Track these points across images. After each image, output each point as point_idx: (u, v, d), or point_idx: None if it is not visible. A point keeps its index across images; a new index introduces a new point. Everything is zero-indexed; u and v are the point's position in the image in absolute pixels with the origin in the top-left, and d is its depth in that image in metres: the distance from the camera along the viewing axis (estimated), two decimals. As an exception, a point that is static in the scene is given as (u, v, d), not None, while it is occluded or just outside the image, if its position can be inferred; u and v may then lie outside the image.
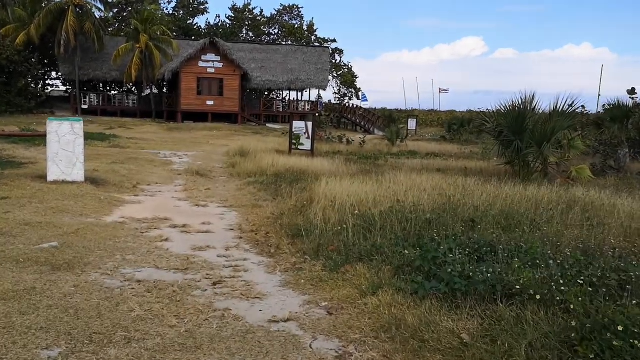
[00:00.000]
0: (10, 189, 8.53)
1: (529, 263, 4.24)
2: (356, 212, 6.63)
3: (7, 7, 34.83)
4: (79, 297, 4.19)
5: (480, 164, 19.48)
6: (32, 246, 5.53)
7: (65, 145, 9.73)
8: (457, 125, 40.06)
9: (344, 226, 6.20)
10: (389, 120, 45.32)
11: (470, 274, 4.02)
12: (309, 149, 17.35)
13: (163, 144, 22.86)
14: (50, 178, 9.70)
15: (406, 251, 4.77)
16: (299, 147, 17.46)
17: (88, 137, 22.08)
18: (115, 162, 14.24)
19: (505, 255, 4.61)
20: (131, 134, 27.21)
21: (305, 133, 17.39)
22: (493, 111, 17.06)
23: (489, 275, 3.89)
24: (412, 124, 47.15)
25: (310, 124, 17.54)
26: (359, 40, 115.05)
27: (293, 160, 14.95)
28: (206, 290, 4.63)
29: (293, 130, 17.49)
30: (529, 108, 14.44)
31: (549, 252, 4.54)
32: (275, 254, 5.96)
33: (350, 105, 50.42)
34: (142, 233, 6.75)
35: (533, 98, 14.52)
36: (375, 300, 4.14)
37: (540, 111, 14.90)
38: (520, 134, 13.81)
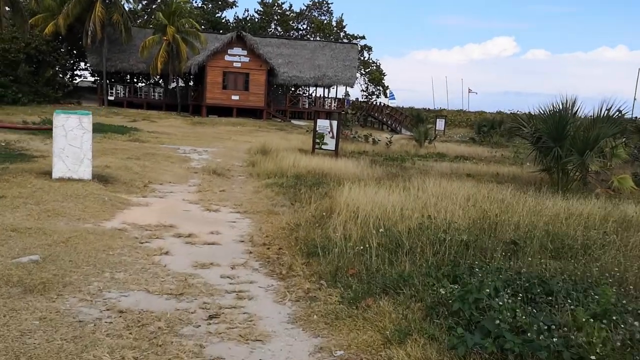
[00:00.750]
0: (9, 187, 7.95)
1: (599, 315, 3.38)
2: (381, 230, 5.82)
3: (36, -4, 34.77)
4: (40, 336, 3.46)
5: (513, 169, 18.47)
6: (9, 260, 4.87)
7: (72, 140, 9.13)
8: (487, 127, 38.79)
9: (367, 246, 5.41)
10: (417, 120, 44.19)
11: (524, 325, 3.20)
12: (333, 149, 16.56)
13: (184, 138, 22.32)
14: (55, 175, 9.12)
15: (441, 289, 3.95)
16: (323, 146, 16.69)
17: (108, 129, 21.70)
18: (131, 157, 13.66)
19: (564, 296, 3.77)
20: (153, 128, 26.78)
21: (329, 132, 16.61)
22: (530, 114, 16.06)
23: (551, 336, 3.05)
24: (440, 124, 45.95)
25: (335, 123, 16.75)
26: (387, 38, 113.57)
27: (315, 161, 14.18)
28: (199, 326, 3.88)
29: (317, 129, 16.71)
30: (569, 113, 13.43)
31: (624, 301, 3.66)
32: (286, 275, 5.20)
33: (378, 104, 49.42)
34: (141, 244, 6.05)
35: (574, 102, 13.50)
36: (402, 354, 3.34)
37: (582, 116, 13.88)
38: (560, 141, 12.81)
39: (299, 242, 6.17)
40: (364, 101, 54.19)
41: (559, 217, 7.61)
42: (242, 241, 6.57)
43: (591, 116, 13.70)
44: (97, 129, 21.15)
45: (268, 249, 6.20)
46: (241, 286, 4.87)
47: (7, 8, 34.65)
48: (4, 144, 13.36)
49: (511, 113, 58.14)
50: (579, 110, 13.46)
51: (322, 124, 16.81)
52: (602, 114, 13.43)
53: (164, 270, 5.15)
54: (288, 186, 10.76)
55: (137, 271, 5.04)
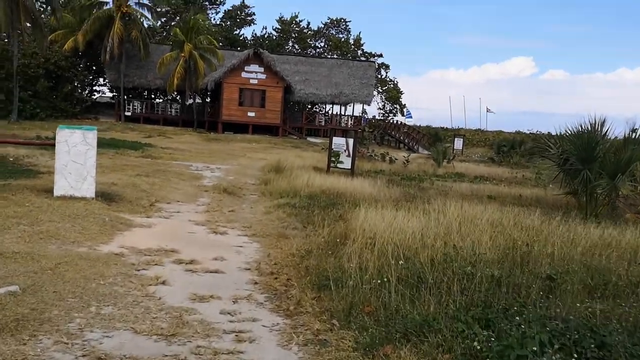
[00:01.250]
0: (5, 205, 7.52)
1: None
2: (401, 262, 5.23)
3: (56, 12, 35.01)
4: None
5: (536, 191, 17.77)
6: (-16, 290, 4.38)
7: (75, 156, 8.71)
8: (507, 147, 38.03)
9: (385, 280, 4.83)
10: (435, 139, 43.55)
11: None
12: (349, 167, 16.03)
13: (198, 155, 21.96)
14: (57, 192, 8.69)
15: (475, 343, 3.35)
16: (338, 165, 16.17)
17: (122, 145, 21.43)
18: (140, 174, 13.25)
19: (622, 352, 3.15)
20: (168, 144, 26.52)
21: (345, 150, 16.09)
22: (555, 135, 15.40)
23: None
24: (458, 143, 45.27)
25: (351, 140, 16.24)
26: (404, 57, 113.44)
27: (330, 180, 13.65)
28: (188, 378, 3.34)
29: (333, 147, 16.21)
30: (599, 134, 12.77)
31: None
32: (294, 312, 4.63)
33: (395, 122, 48.91)
34: (138, 271, 5.54)
35: (604, 123, 12.84)
36: None
37: (612, 137, 13.20)
38: (589, 163, 12.13)
39: (310, 272, 5.61)
40: (380, 119, 53.74)
41: (595, 246, 6.96)
42: (248, 269, 6.03)
43: (620, 138, 13.04)
44: (110, 144, 20.91)
45: (275, 278, 5.65)
46: (242, 325, 4.31)
47: (27, 24, 35.00)
48: (12, 159, 13.06)
49: (530, 133, 57.43)
50: (608, 130, 12.80)
51: (338, 141, 16.31)
52: (633, 135, 12.78)
53: (158, 304, 4.61)
54: (301, 207, 10.23)
55: (127, 305, 4.51)
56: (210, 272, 5.78)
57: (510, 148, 37.50)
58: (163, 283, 5.21)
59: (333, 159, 16.18)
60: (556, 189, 16.47)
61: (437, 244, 6.45)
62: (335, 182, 13.47)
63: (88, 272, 5.20)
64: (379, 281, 4.86)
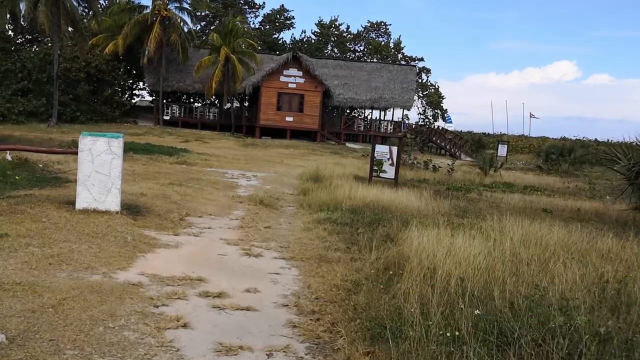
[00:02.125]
0: (20, 220, 6.83)
1: None
2: (477, 312, 4.22)
3: (96, 16, 35.15)
4: None
5: (594, 204, 16.37)
6: (-37, 341, 3.59)
7: (99, 166, 8.00)
8: (556, 155, 36.22)
9: (457, 333, 3.84)
10: (478, 145, 42.03)
11: None
12: (393, 177, 15.00)
13: (234, 161, 21.30)
14: (79, 205, 8.00)
15: None
16: (381, 174, 15.17)
17: (157, 151, 20.94)
18: (173, 183, 12.56)
19: None
20: (204, 149, 26.00)
21: (388, 159, 15.08)
22: (622, 144, 14.07)
23: None
24: (502, 150, 43.55)
25: (395, 148, 15.21)
26: (443, 62, 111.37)
27: (374, 192, 12.66)
28: None
29: (375, 155, 15.21)
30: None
31: None
32: (343, 374, 3.70)
33: (438, 128, 47.49)
34: (156, 307, 4.69)
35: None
36: None
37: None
38: (666, 176, 10.84)
39: (359, 313, 4.66)
40: (422, 125, 52.36)
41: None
42: (286, 305, 5.11)
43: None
44: (145, 149, 20.44)
45: (318, 320, 4.72)
46: (278, 394, 3.40)
47: (70, 28, 35.24)
48: (41, 166, 12.55)
49: (577, 139, 55.07)
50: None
51: (381, 149, 15.31)
52: None
53: (175, 357, 3.74)
54: (343, 223, 9.29)
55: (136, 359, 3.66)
56: (241, 309, 4.89)
57: (559, 155, 35.70)
58: (184, 326, 4.34)
59: (376, 168, 15.19)
60: (615, 201, 15.07)
61: (506, 275, 5.43)
62: (379, 194, 12.49)
63: (97, 310, 4.38)
64: (448, 334, 3.88)
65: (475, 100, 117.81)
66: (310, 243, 7.90)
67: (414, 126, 49.11)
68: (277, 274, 6.19)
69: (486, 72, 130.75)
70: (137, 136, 31.74)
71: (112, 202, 8.09)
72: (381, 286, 5.27)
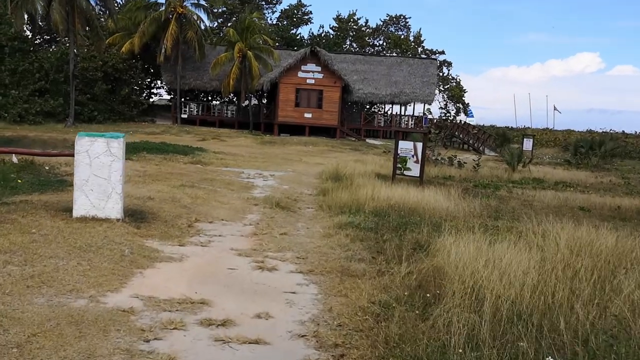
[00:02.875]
0: (7, 231, 6.11)
1: None
2: (549, 359, 3.32)
3: (112, 15, 34.71)
4: None
5: (634, 201, 15.30)
6: None
7: (97, 169, 7.27)
8: (585, 148, 34.80)
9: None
10: (502, 140, 40.69)
11: None
12: (418, 175, 14.08)
13: (251, 160, 20.55)
14: (76, 213, 7.28)
15: None
16: (405, 172, 14.25)
17: (172, 150, 20.28)
18: (185, 184, 11.83)
19: None
20: (221, 147, 25.32)
21: (413, 156, 14.15)
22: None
23: None
24: (527, 144, 42.12)
25: (420, 145, 14.28)
26: (463, 56, 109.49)
27: (398, 192, 11.77)
28: None
29: (399, 152, 14.30)
30: None
31: None
32: None
33: (460, 122, 46.26)
34: (147, 342, 3.89)
35: None
36: None
37: None
38: None
39: (392, 348, 3.81)
40: (443, 119, 51.11)
41: None
42: (303, 336, 4.28)
43: None
44: (160, 149, 19.79)
45: (342, 357, 3.87)
46: None
47: (87, 27, 34.85)
48: (47, 168, 11.92)
49: (603, 132, 53.21)
50: None
51: (405, 146, 14.39)
52: None
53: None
54: (367, 228, 8.43)
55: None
56: (249, 342, 4.07)
57: (589, 149, 34.31)
58: (178, 368, 3.54)
59: (399, 165, 14.28)
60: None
61: (568, 297, 4.54)
62: (404, 194, 11.60)
63: (72, 349, 3.60)
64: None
65: (495, 94, 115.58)
66: (331, 252, 7.07)
67: (435, 121, 47.91)
68: (294, 292, 5.36)
69: (507, 65, 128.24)
70: (154, 135, 31.22)
71: (113, 209, 7.35)
72: (416, 311, 4.41)
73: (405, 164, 14.19)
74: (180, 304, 4.72)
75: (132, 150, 18.36)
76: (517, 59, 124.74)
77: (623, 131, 55.96)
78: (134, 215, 7.83)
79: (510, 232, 8.24)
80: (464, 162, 22.57)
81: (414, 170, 14.11)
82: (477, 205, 11.64)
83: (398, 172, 14.29)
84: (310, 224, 9.19)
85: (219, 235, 7.75)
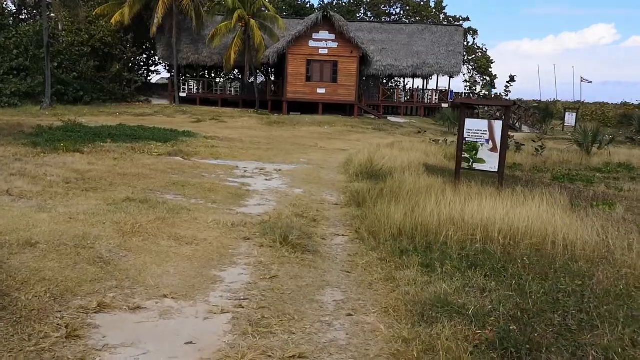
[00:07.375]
0: None
1: None
2: None
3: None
4: None
5: None
6: None
7: None
8: (651, 123, 29.70)
9: None
10: (545, 115, 35.63)
11: None
12: (495, 170, 9.35)
13: (252, 147, 15.84)
14: None
15: None
16: (475, 165, 9.51)
17: (148, 136, 15.55)
18: (133, 197, 7.26)
19: None
20: (217, 130, 20.65)
21: (488, 141, 9.39)
22: None
23: None
24: (570, 118, 37.27)
25: (498, 125, 9.49)
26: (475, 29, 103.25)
27: (486, 206, 7.03)
28: None
29: (466, 135, 9.54)
30: None
31: None
32: None
33: (496, 96, 41.14)
34: None
35: None
36: None
37: None
38: None
39: None
40: (468, 93, 45.90)
41: None
42: None
43: None
44: (131, 135, 15.09)
45: None
46: None
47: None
48: None
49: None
50: None
51: (475, 126, 9.58)
52: None
53: None
54: (479, 314, 3.78)
55: None
56: None
57: (657, 124, 29.25)
58: None
59: (466, 155, 9.52)
60: None
61: None
62: (494, 209, 6.87)
63: None
64: None
65: (510, 67, 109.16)
66: None
67: (462, 95, 42.77)
68: None
69: (519, 38, 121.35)
70: (144, 117, 26.62)
71: None
72: None
73: (476, 154, 9.42)
74: None
75: (91, 138, 13.73)
76: (530, 32, 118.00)
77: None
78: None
79: None
80: (522, 145, 17.87)
81: (490, 162, 9.34)
82: (622, 227, 6.89)
83: (465, 164, 9.54)
84: (348, 293, 4.53)
85: (139, 361, 3.12)
